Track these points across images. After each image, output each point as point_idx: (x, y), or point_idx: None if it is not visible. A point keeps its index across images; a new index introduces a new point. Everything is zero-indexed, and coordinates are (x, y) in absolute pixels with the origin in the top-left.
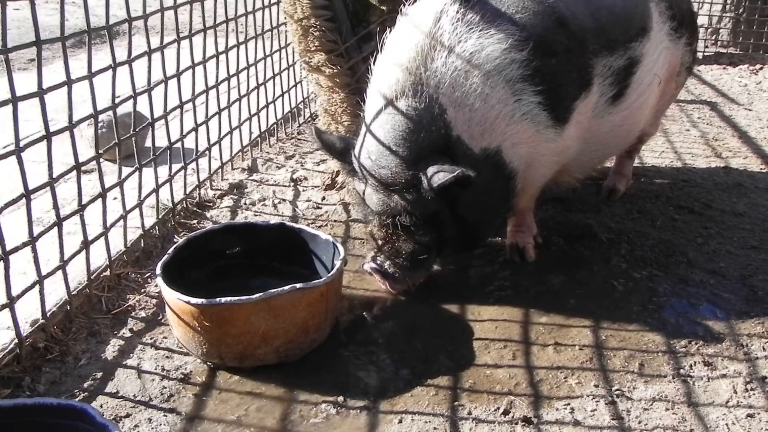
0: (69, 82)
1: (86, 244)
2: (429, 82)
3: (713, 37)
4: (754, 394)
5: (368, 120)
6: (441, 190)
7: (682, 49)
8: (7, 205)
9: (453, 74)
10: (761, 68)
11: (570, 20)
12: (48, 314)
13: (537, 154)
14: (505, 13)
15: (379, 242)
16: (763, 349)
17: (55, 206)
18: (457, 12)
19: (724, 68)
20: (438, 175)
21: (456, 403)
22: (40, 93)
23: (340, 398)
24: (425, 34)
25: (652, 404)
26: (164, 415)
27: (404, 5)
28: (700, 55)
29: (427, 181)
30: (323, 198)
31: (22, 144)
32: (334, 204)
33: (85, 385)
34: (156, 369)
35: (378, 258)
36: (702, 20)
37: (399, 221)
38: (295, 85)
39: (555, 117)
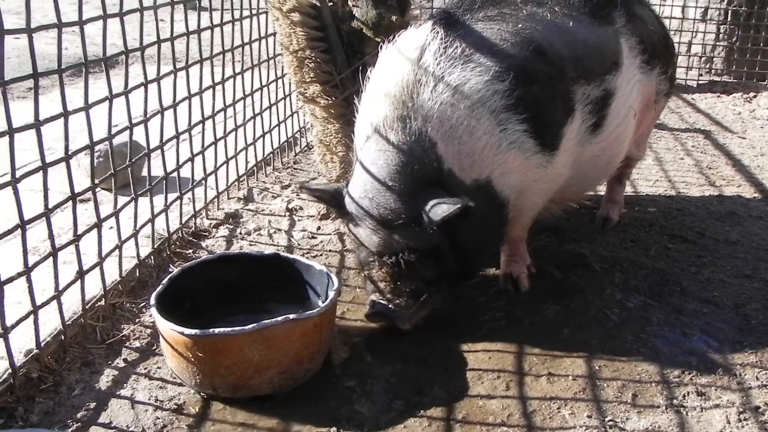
0: (65, 114)
1: (81, 274)
2: (416, 115)
3: (707, 66)
4: (747, 425)
5: (360, 158)
6: (443, 223)
7: (656, 79)
8: (3, 235)
9: (440, 108)
10: (755, 96)
11: (547, 49)
12: (42, 344)
13: (528, 180)
14: (485, 46)
15: (380, 284)
16: (757, 378)
17: (51, 236)
18: (440, 46)
19: (718, 96)
20: (441, 207)
21: None
22: (37, 125)
23: (333, 429)
24: (410, 67)
25: None
26: None
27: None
28: (694, 83)
29: (427, 216)
30: (318, 228)
31: (18, 174)
32: (330, 234)
33: (79, 415)
34: (149, 399)
35: (379, 302)
36: (696, 49)
37: (401, 259)
38: (291, 115)
39: (543, 143)
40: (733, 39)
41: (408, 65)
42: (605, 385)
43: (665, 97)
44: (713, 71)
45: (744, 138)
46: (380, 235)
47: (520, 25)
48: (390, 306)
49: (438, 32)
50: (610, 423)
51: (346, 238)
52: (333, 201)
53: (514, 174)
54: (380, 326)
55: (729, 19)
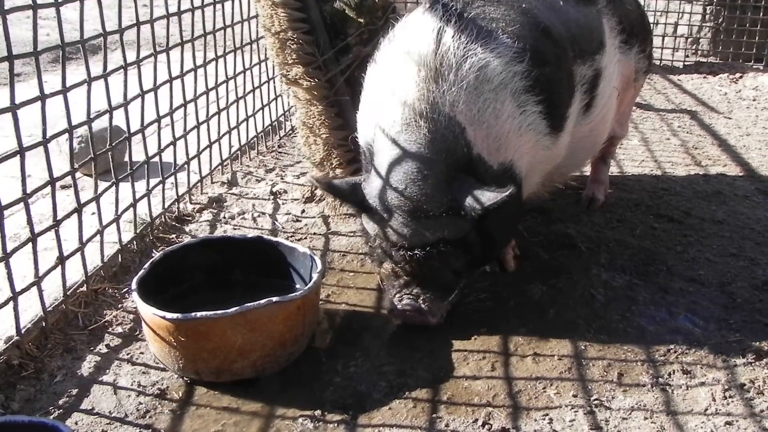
0: (43, 97)
1: (62, 260)
2: (444, 101)
3: (693, 47)
4: (732, 402)
5: (384, 152)
6: (487, 211)
7: (635, 58)
8: None
9: (466, 92)
10: (741, 77)
11: (552, 29)
12: (23, 331)
13: (535, 162)
14: (498, 27)
15: (405, 278)
16: (742, 356)
17: (29, 221)
18: (456, 29)
19: (705, 77)
20: (485, 195)
21: (434, 415)
22: (13, 108)
23: (318, 412)
24: (428, 54)
25: (630, 413)
26: None
27: (380, 18)
28: (680, 64)
29: (471, 204)
30: (303, 211)
31: None
32: (314, 217)
33: (61, 402)
34: (132, 385)
35: (405, 297)
36: (682, 30)
37: (432, 250)
38: (276, 99)
39: (552, 125)
40: (720, 20)
41: (425, 51)
42: (591, 364)
43: (644, 74)
44: (699, 52)
45: (730, 118)
46: (412, 228)
47: (524, 5)
48: (416, 301)
49: (451, 15)
50: (596, 402)
51: (330, 221)
52: (352, 197)
53: (527, 156)
54: (364, 308)
55: None
